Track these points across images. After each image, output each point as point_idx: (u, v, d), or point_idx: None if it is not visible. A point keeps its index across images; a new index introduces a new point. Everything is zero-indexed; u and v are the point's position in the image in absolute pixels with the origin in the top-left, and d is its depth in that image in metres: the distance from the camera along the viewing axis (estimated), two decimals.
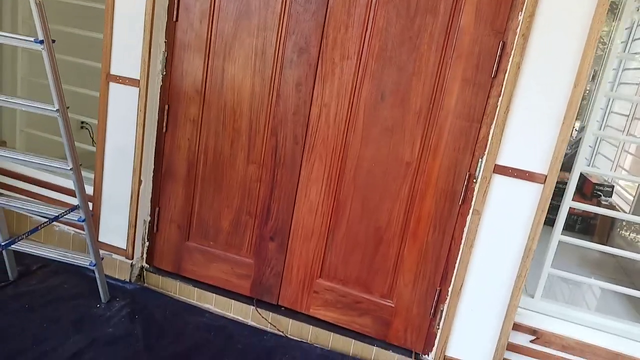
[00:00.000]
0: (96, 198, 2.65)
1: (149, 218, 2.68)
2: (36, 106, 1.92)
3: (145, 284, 2.74)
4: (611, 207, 4.47)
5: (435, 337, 2.33)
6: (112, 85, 2.50)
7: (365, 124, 2.26)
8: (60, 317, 2.34)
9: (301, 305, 2.54)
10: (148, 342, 2.28)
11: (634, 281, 3.67)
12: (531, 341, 2.22)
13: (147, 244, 2.72)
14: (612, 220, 4.25)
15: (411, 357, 2.37)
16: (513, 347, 2.20)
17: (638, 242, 4.22)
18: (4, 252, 2.42)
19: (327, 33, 2.23)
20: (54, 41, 1.83)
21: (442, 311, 2.29)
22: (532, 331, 2.21)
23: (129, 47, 2.42)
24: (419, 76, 2.15)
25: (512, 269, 2.10)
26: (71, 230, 2.85)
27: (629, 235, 4.34)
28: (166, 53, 2.47)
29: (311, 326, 2.50)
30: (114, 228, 2.65)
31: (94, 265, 2.36)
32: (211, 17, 2.37)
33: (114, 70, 2.48)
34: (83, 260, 2.38)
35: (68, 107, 1.97)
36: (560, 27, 1.87)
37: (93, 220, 2.47)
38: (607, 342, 2.16)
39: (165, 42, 2.45)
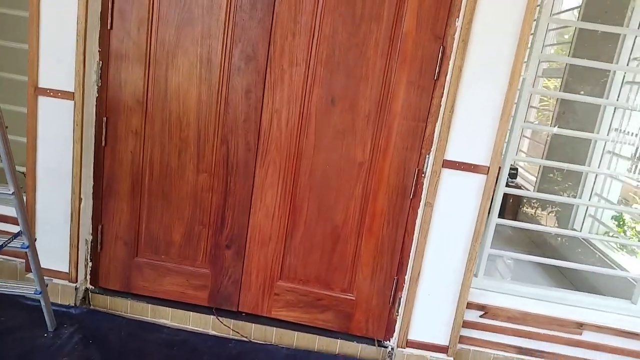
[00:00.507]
0: (29, 221, 2.44)
1: (90, 237, 2.53)
2: None
3: (92, 307, 2.60)
4: (517, 187, 4.98)
5: (395, 324, 2.48)
6: (42, 100, 2.31)
7: (317, 128, 2.32)
8: (6, 354, 2.15)
9: (262, 309, 2.56)
10: None
11: (544, 252, 4.15)
12: (480, 316, 2.46)
13: (90, 264, 2.57)
14: (520, 199, 4.75)
15: (374, 345, 2.51)
16: (465, 324, 2.42)
17: (539, 216, 4.77)
18: None
19: (275, 40, 2.25)
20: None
21: (400, 299, 2.44)
22: (481, 307, 2.44)
23: (59, 58, 2.26)
24: (367, 81, 2.26)
25: (462, 252, 2.30)
26: None
27: (532, 211, 4.88)
28: (101, 63, 2.33)
29: (274, 328, 2.54)
30: (53, 250, 2.47)
31: (39, 294, 2.20)
32: (150, 25, 2.28)
33: (42, 83, 2.29)
34: (26, 289, 2.21)
35: (7, 127, 1.81)
36: (495, 32, 2.07)
37: None
38: (544, 309, 2.45)
39: (99, 51, 2.31)
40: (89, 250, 2.54)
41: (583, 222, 3.96)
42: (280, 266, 2.51)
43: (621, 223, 3.81)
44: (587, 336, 2.46)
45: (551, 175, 4.50)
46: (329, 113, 2.30)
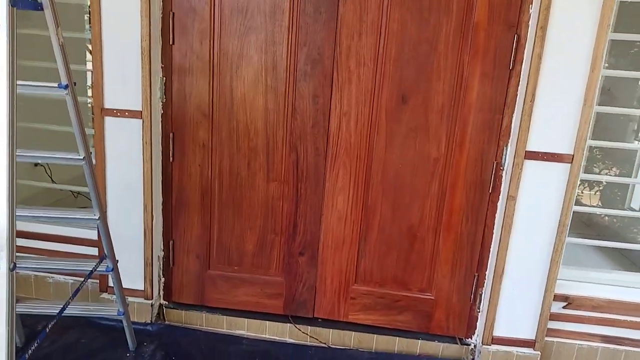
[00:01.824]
0: (101, 242, 2.44)
1: (162, 253, 2.52)
2: (61, 157, 1.71)
3: (167, 322, 2.59)
4: None
5: (477, 321, 2.44)
6: (108, 120, 2.29)
7: (389, 127, 2.27)
8: None
9: (339, 314, 2.54)
10: None
11: (598, 232, 4.06)
12: (564, 307, 2.40)
13: (162, 280, 2.56)
14: None
15: (456, 344, 2.47)
16: (550, 316, 2.37)
17: (579, 196, 4.65)
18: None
19: (340, 42, 2.20)
20: (75, 84, 1.64)
21: (481, 295, 2.40)
22: (564, 298, 2.38)
23: (123, 77, 2.23)
24: (438, 75, 2.20)
25: (548, 244, 2.24)
26: (69, 279, 2.61)
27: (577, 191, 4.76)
28: (164, 79, 2.30)
29: (353, 332, 2.51)
30: (126, 269, 2.43)
31: (122, 314, 2.19)
32: (212, 37, 2.25)
33: (108, 104, 2.27)
34: (108, 310, 2.20)
35: (85, 157, 1.78)
36: (574, 17, 1.99)
37: None
38: (630, 296, 2.39)
39: (162, 67, 2.28)
40: (161, 266, 2.53)
41: None
42: (355, 270, 2.47)
43: None
44: None
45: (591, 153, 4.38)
46: (400, 111, 2.25)
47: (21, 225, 2.44)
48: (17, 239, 2.28)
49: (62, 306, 1.86)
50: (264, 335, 2.55)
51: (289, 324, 2.53)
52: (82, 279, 2.54)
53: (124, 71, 2.22)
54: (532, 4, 2.05)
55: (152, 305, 2.51)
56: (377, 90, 2.24)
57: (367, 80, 2.23)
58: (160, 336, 2.46)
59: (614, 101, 4.09)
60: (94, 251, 2.53)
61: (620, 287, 2.41)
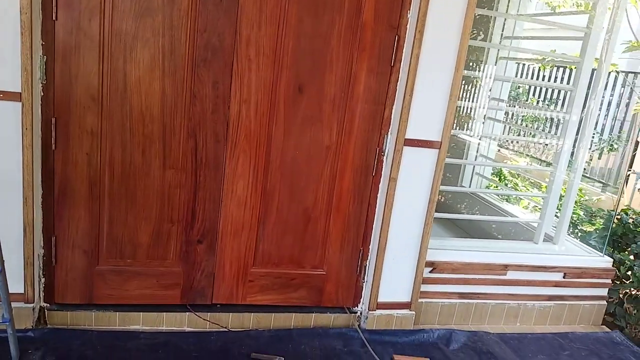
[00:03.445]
0: None
1: (42, 251, 2.29)
2: None
3: (50, 326, 2.37)
4: None
5: (362, 290, 2.73)
6: None
7: (287, 115, 2.40)
8: None
9: (237, 298, 2.61)
10: None
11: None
12: (430, 271, 2.82)
13: (42, 280, 2.33)
14: None
15: (345, 312, 2.73)
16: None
17: None
18: None
19: (241, 31, 2.25)
20: None
21: (365, 267, 2.69)
22: (431, 264, 2.80)
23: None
24: (331, 68, 2.39)
25: (420, 219, 2.62)
26: None
27: None
28: (45, 57, 2.09)
29: (252, 314, 2.60)
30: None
31: (7, 321, 1.97)
32: (103, 15, 2.11)
33: None
34: None
35: None
36: (443, 24, 2.36)
37: None
38: (477, 258, 2.90)
39: (42, 44, 2.07)
40: (41, 265, 2.30)
41: (471, 179, 4.61)
42: (253, 253, 2.56)
43: (502, 178, 4.56)
44: (511, 275, 2.98)
45: None
46: (297, 100, 2.39)
47: None
48: None
49: None
50: (161, 328, 2.50)
51: (187, 313, 2.52)
52: None
53: None
54: (409, 10, 2.36)
55: (33, 309, 2.27)
56: (275, 80, 2.35)
57: (267, 70, 2.32)
58: (45, 342, 2.24)
59: None
60: None
61: (469, 252, 2.93)
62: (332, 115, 2.45)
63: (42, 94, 2.12)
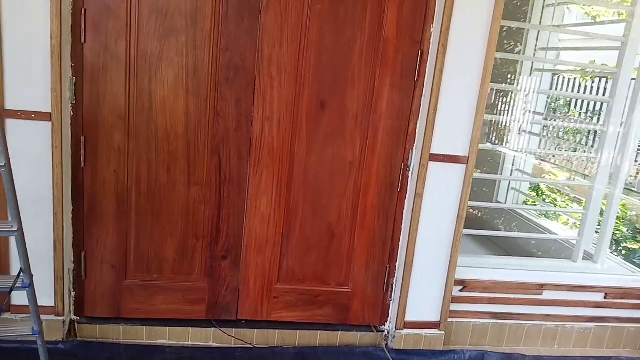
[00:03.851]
0: (2, 257, 2.22)
1: (73, 265, 2.36)
2: None
3: (79, 339, 2.43)
4: None
5: (389, 309, 2.66)
6: (10, 122, 2.10)
7: (309, 131, 2.40)
8: None
9: (262, 314, 2.60)
10: None
11: (469, 224, 4.61)
12: (460, 290, 2.72)
13: (73, 294, 2.40)
14: None
15: (372, 331, 2.67)
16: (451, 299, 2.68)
17: None
18: None
19: (262, 49, 2.28)
20: None
21: (392, 285, 2.63)
22: (461, 282, 2.71)
23: (28, 76, 2.07)
24: (353, 84, 2.38)
25: (449, 235, 2.54)
26: None
27: None
28: (74, 79, 2.18)
29: (277, 330, 2.59)
30: (35, 284, 2.26)
31: (37, 334, 2.02)
32: (129, 37, 2.18)
33: (10, 105, 2.09)
34: (20, 330, 2.02)
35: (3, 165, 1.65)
36: (468, 38, 2.30)
37: None
38: (511, 277, 2.79)
39: (72, 66, 2.16)
40: (72, 279, 2.37)
41: (507, 195, 4.46)
42: (278, 269, 2.55)
43: (539, 193, 4.39)
44: (547, 295, 2.84)
45: None
46: (320, 117, 2.39)
47: None
48: None
49: None
50: (187, 342, 2.52)
51: (212, 329, 2.53)
52: None
53: (29, 70, 2.06)
54: (433, 24, 2.33)
55: (63, 322, 2.34)
56: (297, 96, 2.35)
57: (289, 87, 2.33)
58: (75, 354, 2.30)
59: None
60: None
61: (502, 270, 2.82)
62: (355, 130, 2.43)
63: (71, 113, 2.20)
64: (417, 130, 2.45)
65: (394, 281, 2.62)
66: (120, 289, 2.45)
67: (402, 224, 2.56)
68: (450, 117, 2.38)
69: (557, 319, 2.86)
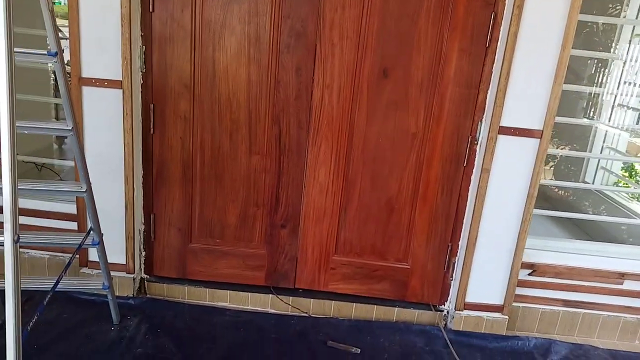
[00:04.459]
0: (81, 216, 2.40)
1: (143, 227, 2.51)
2: (49, 127, 1.68)
3: (149, 296, 2.59)
4: None
5: (450, 288, 2.56)
6: (86, 90, 2.24)
7: (370, 100, 2.33)
8: (80, 350, 2.15)
9: (319, 284, 2.61)
10: (186, 352, 2.20)
11: (554, 205, 4.29)
12: (529, 274, 2.55)
13: (143, 253, 2.55)
14: None
15: (430, 310, 2.59)
16: (517, 283, 2.52)
17: None
18: None
19: (324, 14, 2.22)
20: (63, 51, 1.60)
21: (454, 264, 2.52)
22: (530, 265, 2.54)
23: (101, 45, 2.18)
24: (419, 50, 2.26)
25: (517, 215, 2.37)
26: (45, 254, 2.56)
27: None
28: (144, 47, 2.26)
29: (332, 301, 2.59)
30: (107, 243, 2.39)
31: (107, 288, 2.18)
32: (194, 5, 2.22)
33: (86, 73, 2.22)
34: (93, 284, 2.19)
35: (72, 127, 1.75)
36: None
37: None
38: (587, 263, 2.56)
39: (141, 35, 2.24)
40: (142, 239, 2.52)
41: (595, 174, 4.09)
42: (335, 241, 2.54)
43: (633, 173, 3.98)
44: (628, 285, 2.59)
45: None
46: (381, 85, 2.30)
47: None
48: None
49: (54, 281, 1.83)
50: (246, 307, 2.60)
51: (270, 295, 2.58)
52: (56, 254, 2.52)
53: (102, 39, 2.17)
54: None
55: (134, 279, 2.50)
56: (359, 64, 2.28)
57: (350, 53, 2.26)
58: (143, 309, 2.46)
59: (575, 79, 4.30)
60: (68, 225, 2.48)
61: (578, 255, 2.59)
62: (419, 100, 2.32)
63: (141, 81, 2.30)
64: (486, 100, 2.29)
65: (456, 260, 2.51)
66: (186, 252, 2.56)
67: (467, 200, 2.43)
68: (524, 86, 2.20)
69: (639, 311, 2.60)
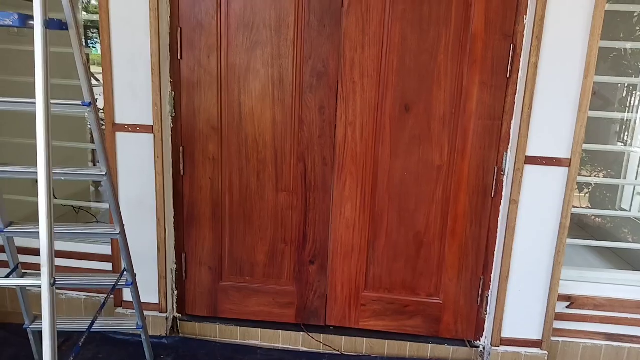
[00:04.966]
0: (115, 257, 2.48)
1: (175, 266, 2.56)
2: (84, 173, 1.76)
3: (181, 335, 2.62)
4: None
5: (484, 323, 2.49)
6: (120, 135, 2.35)
7: (393, 136, 2.35)
8: None
9: (350, 321, 2.58)
10: None
11: (591, 234, 4.15)
12: (567, 307, 2.46)
13: (176, 292, 2.60)
14: None
15: (466, 346, 2.52)
16: (554, 316, 2.42)
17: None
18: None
19: (344, 54, 2.28)
20: (96, 100, 1.70)
21: (487, 297, 2.46)
22: (567, 298, 2.45)
23: (133, 92, 2.30)
24: (439, 84, 2.28)
25: (550, 246, 2.31)
26: (82, 295, 2.64)
27: None
28: (173, 93, 2.37)
29: (364, 338, 2.55)
30: (140, 283, 2.46)
31: (141, 328, 2.22)
32: (219, 51, 2.32)
33: (119, 119, 2.33)
34: (127, 324, 2.23)
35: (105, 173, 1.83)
36: (567, 27, 2.09)
37: None
38: (630, 294, 2.45)
39: (171, 82, 2.35)
40: (174, 279, 2.57)
41: (632, 201, 3.95)
42: (364, 277, 2.52)
43: None
44: None
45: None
46: (404, 120, 2.33)
47: (30, 243, 2.47)
48: (26, 256, 2.32)
49: (90, 321, 1.89)
50: (277, 345, 2.59)
51: (301, 333, 2.57)
52: (92, 295, 2.59)
53: (134, 86, 2.28)
54: (526, 15, 2.16)
55: (167, 318, 2.54)
56: (380, 100, 2.32)
57: (371, 91, 2.31)
58: (176, 349, 2.49)
59: (606, 104, 4.22)
60: (103, 266, 2.56)
61: (618, 286, 2.48)
62: (443, 133, 2.33)
63: (171, 125, 2.40)
64: (511, 131, 2.28)
65: (489, 293, 2.45)
66: (217, 290, 2.59)
67: (497, 232, 2.39)
68: (548, 115, 2.18)
69: None
